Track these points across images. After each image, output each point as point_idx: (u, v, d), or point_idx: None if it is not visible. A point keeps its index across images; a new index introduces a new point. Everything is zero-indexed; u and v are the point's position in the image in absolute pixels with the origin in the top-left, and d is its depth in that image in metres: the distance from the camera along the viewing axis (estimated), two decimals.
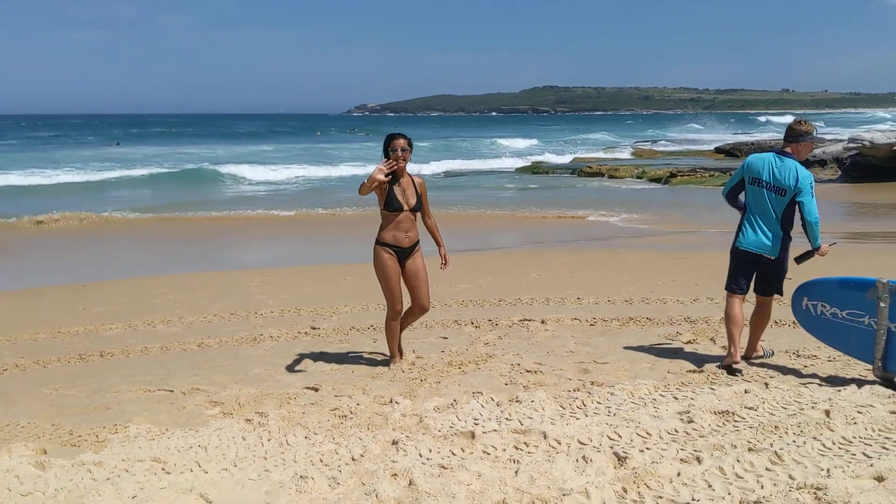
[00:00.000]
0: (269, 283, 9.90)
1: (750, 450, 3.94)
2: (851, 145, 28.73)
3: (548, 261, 11.63)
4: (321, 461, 4.01)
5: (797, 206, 5.40)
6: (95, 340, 7.25)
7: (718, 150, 45.76)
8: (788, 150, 5.48)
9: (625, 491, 3.52)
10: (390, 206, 5.60)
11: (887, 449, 3.88)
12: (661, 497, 3.45)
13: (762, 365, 5.66)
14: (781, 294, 5.67)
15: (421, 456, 4.03)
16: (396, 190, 5.58)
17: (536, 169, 37.23)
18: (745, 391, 4.91)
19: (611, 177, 32.65)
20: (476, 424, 4.44)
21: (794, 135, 5.49)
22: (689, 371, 5.57)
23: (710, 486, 3.54)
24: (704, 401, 4.72)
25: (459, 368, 5.80)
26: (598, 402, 4.80)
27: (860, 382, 5.00)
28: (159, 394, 5.47)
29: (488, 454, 4.03)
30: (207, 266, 12.00)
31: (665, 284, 9.25)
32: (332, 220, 18.47)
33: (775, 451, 3.87)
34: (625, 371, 5.61)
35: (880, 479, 3.52)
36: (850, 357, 5.34)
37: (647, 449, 4.00)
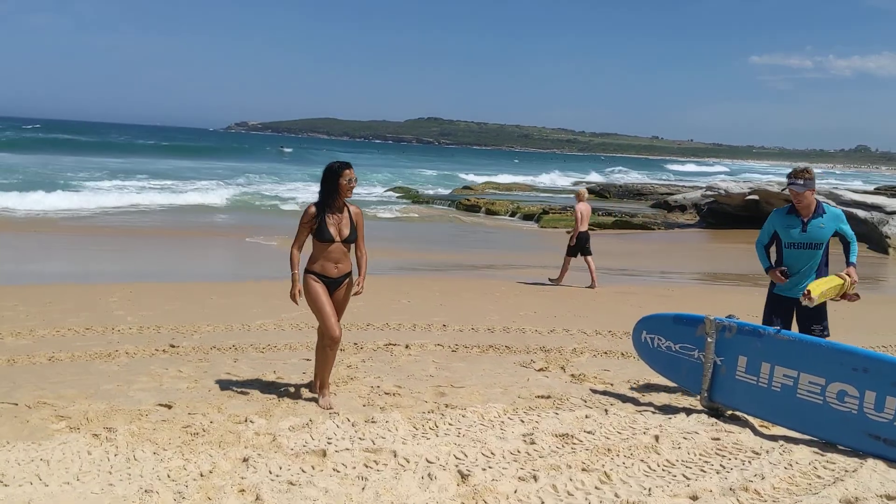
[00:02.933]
0: (130, 299, 9.62)
1: (583, 470, 4.22)
2: (709, 193, 30.70)
3: (420, 287, 11.84)
4: (168, 476, 4.00)
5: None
6: None
7: (589, 191, 47.75)
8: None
9: None
10: (321, 236, 5.38)
11: (704, 471, 4.25)
12: None
13: (605, 393, 6.02)
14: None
15: (270, 472, 4.09)
16: (329, 220, 5.36)
17: (417, 198, 37.64)
18: (587, 416, 5.23)
19: (488, 211, 33.37)
20: (329, 443, 4.53)
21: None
22: (538, 396, 5.85)
23: (542, 502, 3.79)
24: (548, 424, 4.99)
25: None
26: (450, 424, 4.99)
27: (689, 411, 5.42)
28: (2, 406, 5.26)
29: (338, 471, 4.14)
30: (62, 279, 11.51)
31: (527, 315, 9.63)
32: (208, 236, 18.10)
33: (605, 472, 4.18)
34: (479, 395, 5.85)
35: (695, 497, 3.86)
36: (681, 386, 5.77)
37: (490, 468, 4.21)
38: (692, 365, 5.46)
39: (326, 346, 5.51)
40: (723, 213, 29.03)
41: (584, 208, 13.18)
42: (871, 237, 22.16)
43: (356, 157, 79.88)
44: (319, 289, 5.42)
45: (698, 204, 32.46)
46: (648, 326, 5.82)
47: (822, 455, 4.50)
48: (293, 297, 5.47)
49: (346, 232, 5.44)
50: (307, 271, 5.48)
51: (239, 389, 5.86)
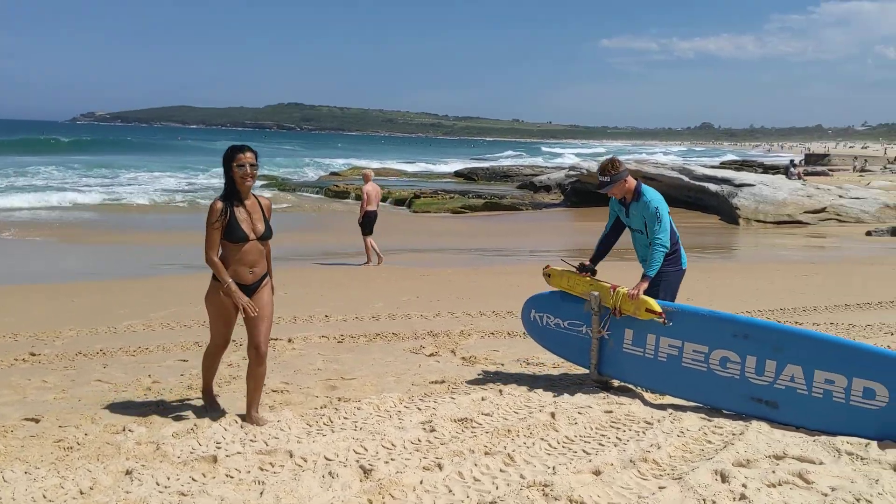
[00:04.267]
0: None
1: (486, 453, 4.18)
2: (572, 173, 31.68)
3: (299, 278, 11.53)
4: (44, 497, 3.64)
5: None
6: None
7: (458, 174, 48.30)
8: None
9: (370, 502, 3.58)
10: (232, 235, 4.52)
11: (603, 445, 4.31)
12: None
13: (497, 373, 6.03)
14: None
15: (158, 484, 3.81)
16: (239, 214, 4.53)
17: (283, 186, 36.76)
18: (482, 398, 5.21)
19: (357, 197, 33.06)
20: (218, 448, 4.29)
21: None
22: (432, 382, 5.79)
23: (450, 490, 3.71)
24: (445, 410, 4.94)
25: (200, 391, 5.55)
26: (345, 418, 4.85)
27: (580, 385, 5.50)
28: None
29: (231, 477, 3.91)
30: None
31: (410, 300, 9.55)
32: (66, 227, 16.94)
33: (508, 454, 4.15)
34: (371, 385, 5.72)
35: (598, 472, 3.89)
36: (571, 363, 5.85)
37: (392, 460, 4.10)
38: (581, 340, 5.53)
39: (212, 352, 4.94)
40: (585, 192, 29.95)
41: (371, 189, 13.59)
42: (723, 209, 23.52)
43: (214, 145, 77.49)
44: (227, 304, 4.61)
45: (562, 184, 33.42)
46: (537, 305, 5.85)
47: (710, 420, 4.66)
48: (248, 309, 4.56)
49: (261, 227, 4.62)
50: (217, 279, 4.62)
51: (113, 397, 5.47)
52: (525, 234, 21.29)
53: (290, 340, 7.22)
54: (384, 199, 32.42)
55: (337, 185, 35.58)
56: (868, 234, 18.36)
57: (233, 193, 4.56)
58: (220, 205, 4.51)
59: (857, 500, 3.47)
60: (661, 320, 5.08)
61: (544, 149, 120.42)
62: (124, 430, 4.63)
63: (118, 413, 5.08)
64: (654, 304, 5.13)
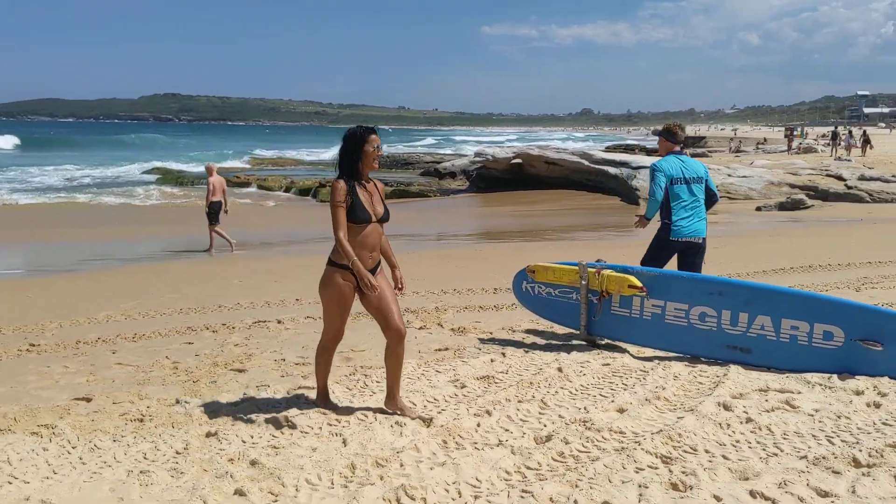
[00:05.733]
0: None
1: (520, 401, 4.82)
2: (477, 159, 32.58)
3: (248, 269, 11.79)
4: (145, 458, 4.02)
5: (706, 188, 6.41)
6: None
7: None
8: (681, 149, 6.54)
9: (445, 442, 4.16)
10: (356, 216, 4.40)
11: (615, 390, 5.02)
12: (475, 442, 4.14)
13: (490, 340, 6.66)
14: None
15: (245, 442, 4.26)
16: (362, 195, 4.45)
17: (181, 179, 35.99)
18: (492, 360, 5.85)
19: (260, 187, 32.86)
20: (280, 411, 4.73)
21: (681, 138, 6.55)
22: (437, 350, 6.36)
23: (506, 430, 4.33)
24: (465, 370, 5.55)
25: (226, 367, 5.94)
26: (377, 382, 5.37)
27: (571, 345, 6.22)
28: None
29: (307, 433, 4.38)
30: None
31: None
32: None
33: (540, 400, 4.82)
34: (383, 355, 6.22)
35: (622, 410, 4.60)
36: (562, 325, 6.56)
37: (443, 411, 4.68)
38: (571, 306, 6.25)
39: (325, 346, 4.83)
40: (491, 178, 30.99)
41: (216, 180, 14.32)
42: (623, 190, 24.90)
43: (87, 139, 74.58)
44: (346, 293, 4.53)
45: (467, 170, 34.33)
46: (529, 277, 6.51)
47: (694, 367, 5.47)
48: (372, 287, 4.40)
49: (381, 209, 4.55)
50: (334, 263, 4.51)
51: (144, 377, 5.77)
52: (444, 219, 22.01)
53: (279, 322, 7.62)
54: (288, 189, 32.47)
55: (238, 177, 35.22)
56: (758, 209, 20.03)
57: (354, 174, 4.46)
58: (343, 184, 4.40)
59: (839, 416, 4.31)
60: (643, 294, 5.85)
61: (456, 138, 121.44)
62: (178, 402, 4.99)
63: (160, 389, 5.41)
64: (636, 280, 5.89)
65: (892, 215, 17.39)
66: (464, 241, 17.05)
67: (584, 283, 6.12)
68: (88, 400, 5.15)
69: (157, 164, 44.51)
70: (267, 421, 4.55)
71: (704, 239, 6.33)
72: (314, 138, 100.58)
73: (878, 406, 4.49)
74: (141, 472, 3.79)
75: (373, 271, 4.54)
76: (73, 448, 4.17)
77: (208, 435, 4.36)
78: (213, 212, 14.01)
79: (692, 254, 6.28)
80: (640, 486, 3.49)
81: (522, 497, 3.44)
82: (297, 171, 43.75)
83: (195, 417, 4.66)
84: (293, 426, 4.45)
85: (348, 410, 4.73)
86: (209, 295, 9.42)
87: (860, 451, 3.79)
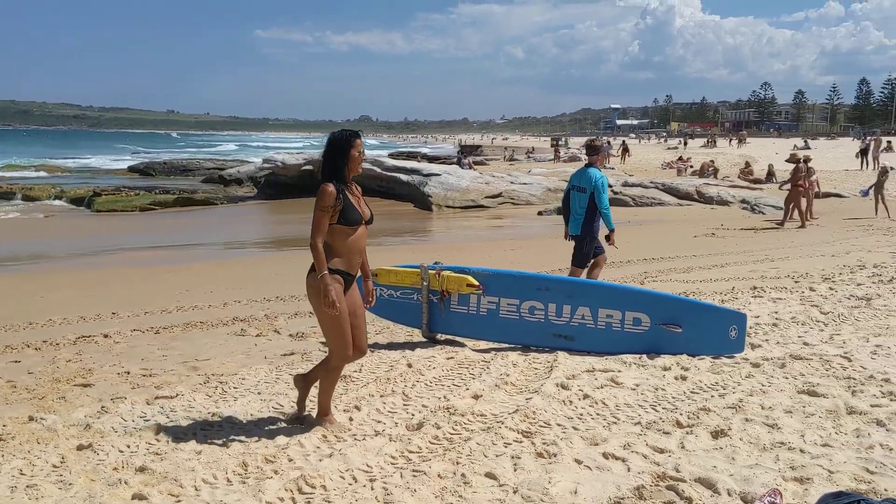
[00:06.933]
0: None
1: (382, 396, 5.17)
2: (266, 165, 32.18)
3: (46, 285, 11.07)
4: (23, 474, 3.91)
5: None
6: None
7: (132, 169, 45.99)
8: (590, 161, 7.92)
9: (325, 437, 4.41)
10: (348, 218, 4.33)
11: (465, 379, 5.50)
12: (354, 434, 4.44)
13: None
14: (579, 265, 7.98)
15: (122, 452, 4.23)
16: (351, 198, 4.40)
17: None
18: None
19: (25, 197, 30.28)
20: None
21: (594, 149, 7.98)
22: (283, 355, 6.52)
23: (379, 421, 4.67)
24: None
25: (69, 383, 5.74)
26: (235, 388, 5.47)
27: (415, 343, 6.64)
28: None
29: (184, 439, 4.45)
30: None
31: (185, 294, 9.88)
32: None
33: (401, 393, 5.19)
34: (231, 363, 6.29)
35: (477, 396, 5.09)
36: (403, 325, 6.96)
37: (312, 409, 4.90)
38: (413, 306, 6.67)
39: (337, 367, 4.66)
40: (280, 184, 30.73)
41: None
42: (415, 196, 25.85)
43: None
44: (342, 297, 4.39)
45: (254, 177, 33.77)
46: (373, 280, 6.83)
47: (527, 355, 6.09)
48: (331, 304, 4.25)
49: (368, 211, 4.51)
50: (330, 270, 4.32)
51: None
52: (234, 227, 21.64)
53: (106, 336, 7.37)
54: (58, 198, 30.18)
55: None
56: (539, 213, 21.68)
57: (341, 178, 4.38)
58: (332, 188, 4.28)
59: (656, 388, 5.10)
60: (480, 292, 6.42)
61: (252, 143, 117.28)
62: (32, 419, 4.78)
63: (6, 408, 5.13)
64: (473, 279, 6.44)
65: (655, 217, 19.60)
66: (267, 249, 16.97)
67: (425, 283, 6.57)
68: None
69: None
70: (138, 430, 4.56)
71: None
72: (74, 143, 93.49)
73: (684, 378, 5.34)
74: (27, 486, 3.71)
75: (355, 278, 4.56)
76: None
77: (81, 448, 4.28)
78: None
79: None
80: (513, 458, 3.99)
81: (415, 476, 3.81)
82: (66, 179, 40.69)
83: (59, 432, 4.54)
84: (168, 433, 4.50)
85: (219, 416, 4.82)
86: (14, 312, 8.81)
87: (681, 415, 4.56)
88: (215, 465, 4.00)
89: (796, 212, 16.61)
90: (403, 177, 26.59)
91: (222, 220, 24.10)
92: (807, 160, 17.07)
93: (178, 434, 4.49)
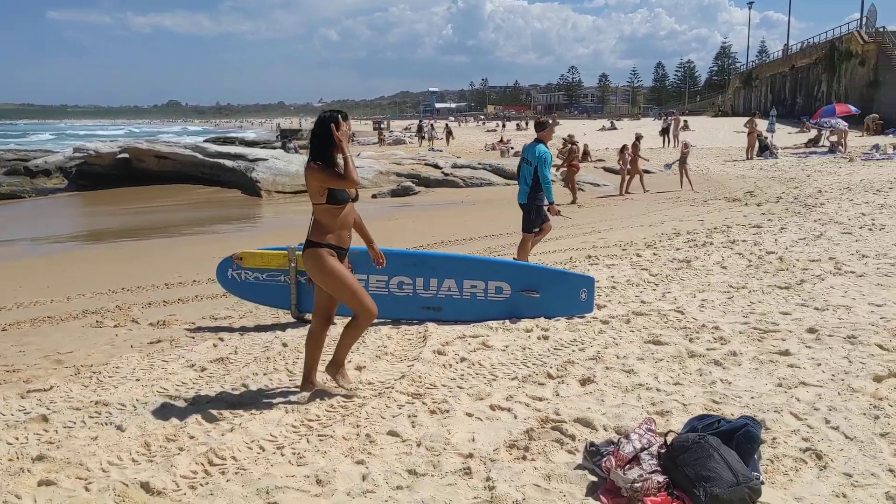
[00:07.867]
0: None
1: (266, 374, 5.31)
2: (77, 154, 30.20)
3: None
4: None
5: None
6: None
7: None
8: (538, 136, 8.51)
9: (220, 413, 4.51)
10: (336, 197, 4.54)
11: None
12: (250, 409, 4.56)
13: (201, 329, 6.87)
14: (527, 231, 8.61)
15: (11, 444, 4.12)
16: None
17: None
18: (214, 345, 6.17)
19: None
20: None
21: (541, 125, 8.69)
22: (150, 343, 6.43)
23: (269, 397, 4.81)
24: (194, 357, 5.84)
25: None
26: (110, 377, 5.39)
27: (284, 323, 6.76)
28: None
29: (74, 427, 4.39)
30: None
31: (27, 289, 9.32)
32: None
33: (286, 370, 5.35)
34: (98, 353, 6.12)
35: (361, 368, 5.35)
36: (270, 307, 7.03)
37: (201, 390, 4.96)
38: (280, 287, 6.77)
39: (363, 325, 4.78)
40: (94, 175, 29.01)
41: None
42: (242, 183, 25.26)
43: None
44: (339, 263, 4.68)
45: (65, 167, 31.58)
46: (233, 265, 6.85)
47: (399, 328, 6.40)
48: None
49: (353, 191, 4.74)
50: (319, 244, 4.60)
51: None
52: (48, 220, 20.31)
53: None
54: None
55: None
56: (374, 196, 21.94)
57: (328, 158, 4.53)
58: (319, 165, 4.51)
59: (524, 348, 5.59)
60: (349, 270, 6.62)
61: (80, 132, 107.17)
62: None
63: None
64: None
65: (486, 197, 20.42)
66: (91, 242, 16.10)
67: (293, 265, 6.69)
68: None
69: None
70: (21, 422, 4.45)
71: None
72: None
73: (546, 338, 5.86)
74: None
75: (347, 251, 4.83)
76: None
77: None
78: None
79: None
80: (409, 417, 4.30)
81: (321, 439, 4.03)
82: None
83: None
84: (56, 423, 4.42)
85: (104, 403, 4.75)
86: None
87: (550, 368, 5.06)
88: (116, 448, 4.02)
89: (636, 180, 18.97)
90: (228, 163, 25.94)
91: (35, 214, 22.51)
92: (636, 144, 19.36)
93: (67, 423, 4.43)
